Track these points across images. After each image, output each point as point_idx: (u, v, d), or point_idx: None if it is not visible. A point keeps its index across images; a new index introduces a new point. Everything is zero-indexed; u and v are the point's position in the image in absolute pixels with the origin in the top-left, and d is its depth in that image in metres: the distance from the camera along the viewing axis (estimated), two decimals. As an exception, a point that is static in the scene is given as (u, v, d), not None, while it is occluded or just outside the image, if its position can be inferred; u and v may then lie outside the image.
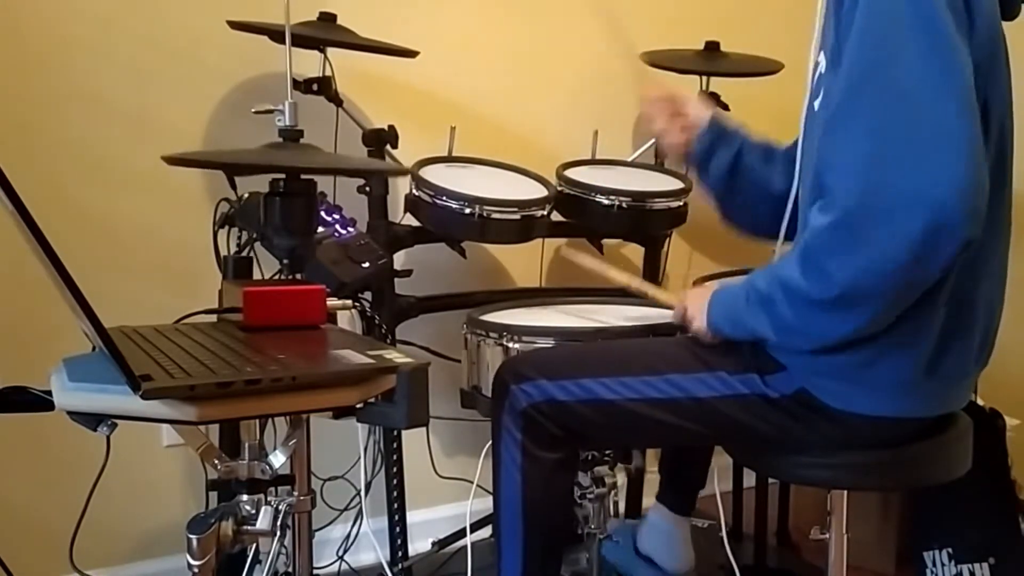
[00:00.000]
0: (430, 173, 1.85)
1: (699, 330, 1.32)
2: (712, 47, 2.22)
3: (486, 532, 1.97)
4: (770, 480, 2.14)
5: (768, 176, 1.45)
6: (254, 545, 1.08)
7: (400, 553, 1.92)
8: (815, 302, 1.13)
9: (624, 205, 1.90)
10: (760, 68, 2.20)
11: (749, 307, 1.22)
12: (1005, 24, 1.21)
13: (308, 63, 1.87)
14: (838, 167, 1.10)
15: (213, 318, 1.31)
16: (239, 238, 1.55)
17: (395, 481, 1.91)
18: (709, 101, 1.50)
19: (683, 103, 1.52)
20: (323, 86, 1.86)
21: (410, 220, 1.89)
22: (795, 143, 1.34)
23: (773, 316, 1.19)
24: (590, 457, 1.64)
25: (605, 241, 2.12)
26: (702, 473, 1.69)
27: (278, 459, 1.07)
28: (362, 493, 1.97)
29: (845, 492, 1.38)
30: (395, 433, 1.90)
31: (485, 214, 1.76)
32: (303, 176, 1.25)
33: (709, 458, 1.68)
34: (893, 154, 1.05)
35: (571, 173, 2.00)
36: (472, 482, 1.88)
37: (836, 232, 1.09)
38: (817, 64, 1.24)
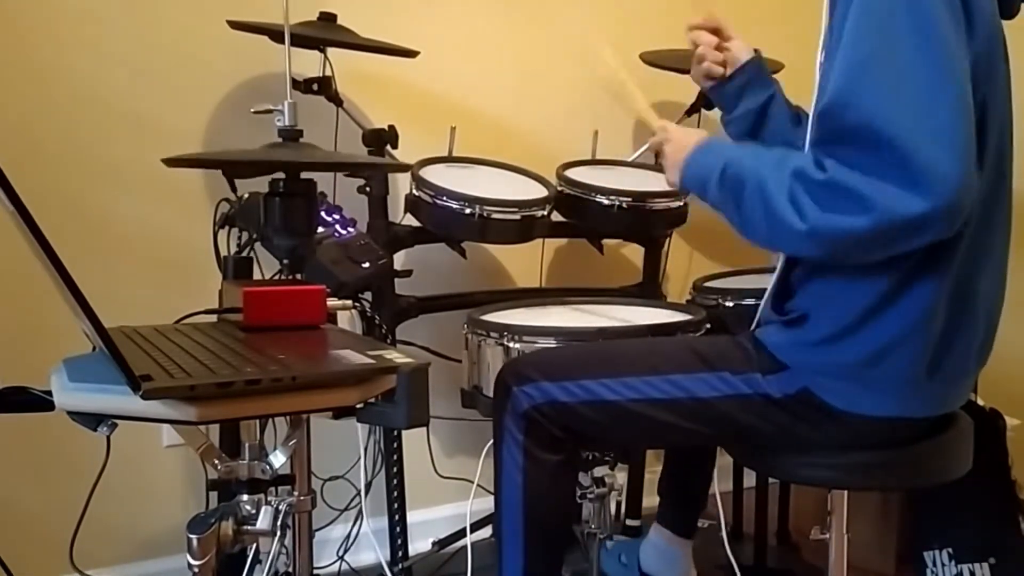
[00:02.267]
0: (430, 173, 1.85)
1: (669, 177, 1.32)
2: (712, 47, 2.21)
3: (486, 532, 1.97)
4: (770, 480, 2.13)
5: (793, 138, 1.43)
6: (254, 545, 1.08)
7: (400, 553, 1.92)
8: (782, 223, 1.12)
9: (624, 205, 1.90)
10: (760, 68, 2.20)
11: (723, 184, 1.21)
12: (1005, 23, 1.21)
13: (308, 63, 1.87)
14: (850, 139, 1.08)
15: (213, 318, 1.31)
16: (239, 238, 1.55)
17: (395, 481, 1.91)
18: (750, 48, 1.51)
19: (727, 36, 1.51)
20: (323, 86, 1.86)
21: (410, 220, 1.89)
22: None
23: (742, 206, 1.18)
24: (591, 457, 1.64)
25: (605, 241, 2.12)
26: (703, 494, 1.69)
27: (278, 459, 1.07)
28: (362, 493, 1.97)
29: (845, 492, 1.38)
30: (395, 433, 1.90)
31: (485, 214, 1.76)
32: (303, 176, 1.25)
33: (710, 479, 1.68)
34: (897, 142, 1.03)
35: (571, 173, 2.00)
36: (472, 482, 1.88)
37: (827, 191, 1.08)
38: (821, 64, 1.24)
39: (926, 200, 1.02)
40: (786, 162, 1.14)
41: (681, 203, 1.98)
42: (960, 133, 1.04)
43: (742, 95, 1.46)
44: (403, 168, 1.85)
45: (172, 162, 1.19)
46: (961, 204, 1.04)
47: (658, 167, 2.16)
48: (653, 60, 2.17)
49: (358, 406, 0.98)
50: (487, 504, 1.63)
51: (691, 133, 1.33)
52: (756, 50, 1.52)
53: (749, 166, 1.19)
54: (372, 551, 2.03)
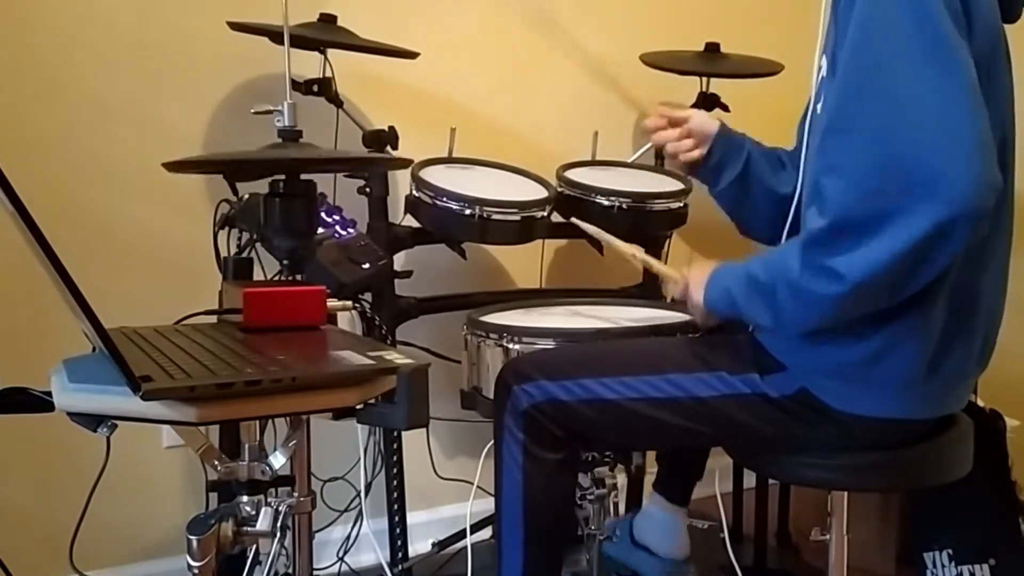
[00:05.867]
0: (430, 174, 1.85)
1: (696, 307, 1.32)
2: (712, 48, 2.22)
3: (486, 533, 1.97)
4: (770, 481, 2.13)
5: (778, 182, 1.44)
6: (254, 546, 1.08)
7: (400, 554, 1.92)
8: (823, 298, 1.13)
9: (624, 206, 1.90)
10: (760, 69, 2.20)
11: (749, 296, 1.22)
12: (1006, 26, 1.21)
13: (308, 64, 1.87)
14: (841, 169, 1.10)
15: (213, 319, 1.31)
16: (239, 239, 1.55)
17: (395, 482, 1.91)
18: (710, 118, 1.51)
19: (684, 117, 1.50)
20: (323, 87, 1.86)
21: (410, 221, 1.89)
22: (798, 146, 1.34)
23: (775, 308, 1.19)
24: (591, 458, 1.64)
25: (605, 242, 2.12)
26: (700, 464, 1.68)
27: (278, 460, 1.07)
28: (362, 494, 1.97)
29: (845, 493, 1.38)
30: (395, 434, 1.90)
31: (485, 215, 1.76)
32: (303, 176, 1.25)
33: (707, 448, 1.68)
34: (901, 155, 1.05)
35: (571, 174, 2.00)
36: (472, 483, 1.88)
37: (838, 233, 1.09)
38: (820, 68, 1.24)
39: (944, 207, 1.02)
40: (793, 248, 1.15)
41: (681, 204, 1.98)
42: (974, 133, 1.04)
43: (721, 170, 1.47)
44: (403, 164, 1.85)
45: (173, 167, 1.19)
46: (982, 205, 1.04)
47: (659, 168, 2.17)
48: (653, 61, 2.17)
49: (358, 407, 0.98)
50: (487, 505, 1.63)
51: (703, 267, 1.33)
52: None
53: (765, 267, 1.20)
54: (372, 552, 2.03)
